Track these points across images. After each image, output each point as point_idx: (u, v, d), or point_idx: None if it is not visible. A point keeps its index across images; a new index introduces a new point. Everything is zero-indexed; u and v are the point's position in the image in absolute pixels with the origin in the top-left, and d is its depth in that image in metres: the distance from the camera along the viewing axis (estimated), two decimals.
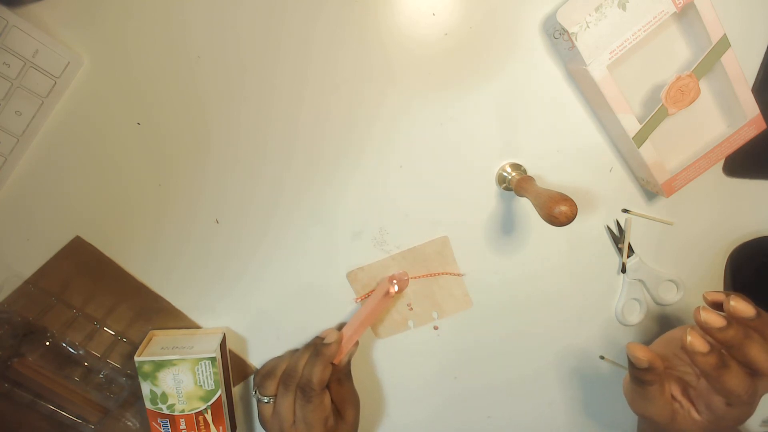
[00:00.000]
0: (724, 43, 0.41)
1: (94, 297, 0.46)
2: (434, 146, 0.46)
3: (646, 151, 0.44)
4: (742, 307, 0.36)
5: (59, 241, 0.45)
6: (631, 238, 0.51)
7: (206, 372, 0.45)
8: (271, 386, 0.47)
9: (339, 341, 0.47)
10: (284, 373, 0.47)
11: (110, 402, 0.48)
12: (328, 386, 0.47)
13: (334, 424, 0.47)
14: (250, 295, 0.49)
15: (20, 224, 0.44)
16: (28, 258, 0.45)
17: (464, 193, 0.48)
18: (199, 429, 0.47)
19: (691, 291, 0.54)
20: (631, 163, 0.48)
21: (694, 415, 0.41)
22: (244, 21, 0.41)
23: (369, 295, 0.50)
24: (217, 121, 0.43)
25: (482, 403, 0.57)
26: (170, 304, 0.48)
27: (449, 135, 0.46)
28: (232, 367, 0.50)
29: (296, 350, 0.51)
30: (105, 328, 0.47)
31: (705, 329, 0.36)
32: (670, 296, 0.54)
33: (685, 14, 0.42)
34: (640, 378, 0.40)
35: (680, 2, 0.39)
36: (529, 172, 0.47)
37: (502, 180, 0.47)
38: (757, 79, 0.46)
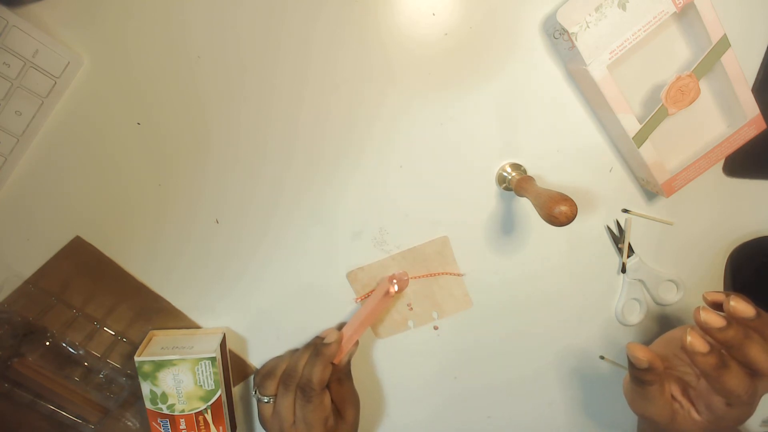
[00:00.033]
0: (724, 43, 0.41)
1: (94, 297, 0.46)
2: (434, 146, 0.46)
3: (646, 151, 0.44)
4: (742, 307, 0.36)
5: (59, 241, 0.45)
6: (631, 238, 0.51)
7: (206, 372, 0.45)
8: (271, 386, 0.47)
9: (339, 341, 0.47)
10: (284, 373, 0.47)
11: (110, 402, 0.48)
12: (328, 386, 0.47)
13: (334, 424, 0.47)
14: (250, 295, 0.49)
15: (20, 224, 0.44)
16: (28, 258, 0.45)
17: (464, 193, 0.48)
18: (199, 429, 0.47)
19: (691, 291, 0.54)
20: (631, 163, 0.48)
21: (694, 415, 0.41)
22: (244, 21, 0.41)
23: (369, 295, 0.50)
24: (217, 121, 0.43)
25: (482, 403, 0.57)
26: (170, 304, 0.48)
27: (449, 135, 0.46)
28: (232, 367, 0.50)
29: (296, 350, 0.51)
30: (105, 328, 0.47)
31: (705, 329, 0.36)
32: (670, 296, 0.54)
33: (685, 14, 0.42)
34: (640, 378, 0.40)
35: (680, 2, 0.39)
36: (529, 172, 0.47)
37: (502, 180, 0.47)
38: (757, 79, 0.46)
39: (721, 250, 0.53)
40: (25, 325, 0.45)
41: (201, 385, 0.46)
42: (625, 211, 0.50)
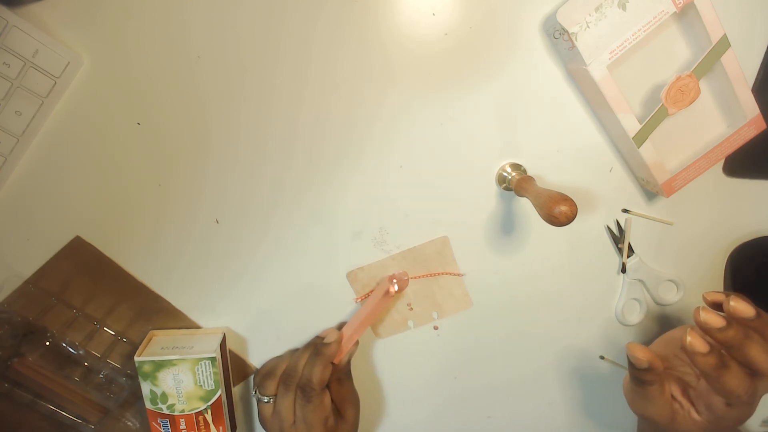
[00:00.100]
0: (724, 43, 0.41)
1: (94, 297, 0.46)
2: (434, 146, 0.46)
3: (646, 151, 0.44)
4: (741, 307, 0.36)
5: (59, 241, 0.45)
6: (631, 238, 0.51)
7: (206, 372, 0.45)
8: (271, 386, 0.47)
9: (339, 341, 0.47)
10: (284, 373, 0.47)
11: (110, 402, 0.48)
12: (328, 386, 0.47)
13: (334, 424, 0.47)
14: (250, 295, 0.49)
15: (20, 224, 0.44)
16: (28, 258, 0.45)
17: (464, 193, 0.48)
18: (199, 429, 0.47)
19: (691, 291, 0.54)
20: (631, 163, 0.48)
21: (694, 415, 0.41)
22: (244, 21, 0.41)
23: (369, 295, 0.50)
24: (217, 121, 0.43)
25: (482, 403, 0.57)
26: (170, 304, 0.48)
27: (449, 135, 0.46)
28: (232, 367, 0.50)
29: (296, 350, 0.51)
30: (105, 328, 0.47)
31: (705, 329, 0.36)
32: (670, 296, 0.54)
33: (685, 14, 0.42)
34: (640, 378, 0.40)
35: (680, 2, 0.39)
36: (529, 172, 0.47)
37: (502, 180, 0.47)
38: (757, 79, 0.46)
39: (721, 250, 0.53)
40: (25, 325, 0.45)
41: (201, 385, 0.46)
42: (625, 211, 0.50)
